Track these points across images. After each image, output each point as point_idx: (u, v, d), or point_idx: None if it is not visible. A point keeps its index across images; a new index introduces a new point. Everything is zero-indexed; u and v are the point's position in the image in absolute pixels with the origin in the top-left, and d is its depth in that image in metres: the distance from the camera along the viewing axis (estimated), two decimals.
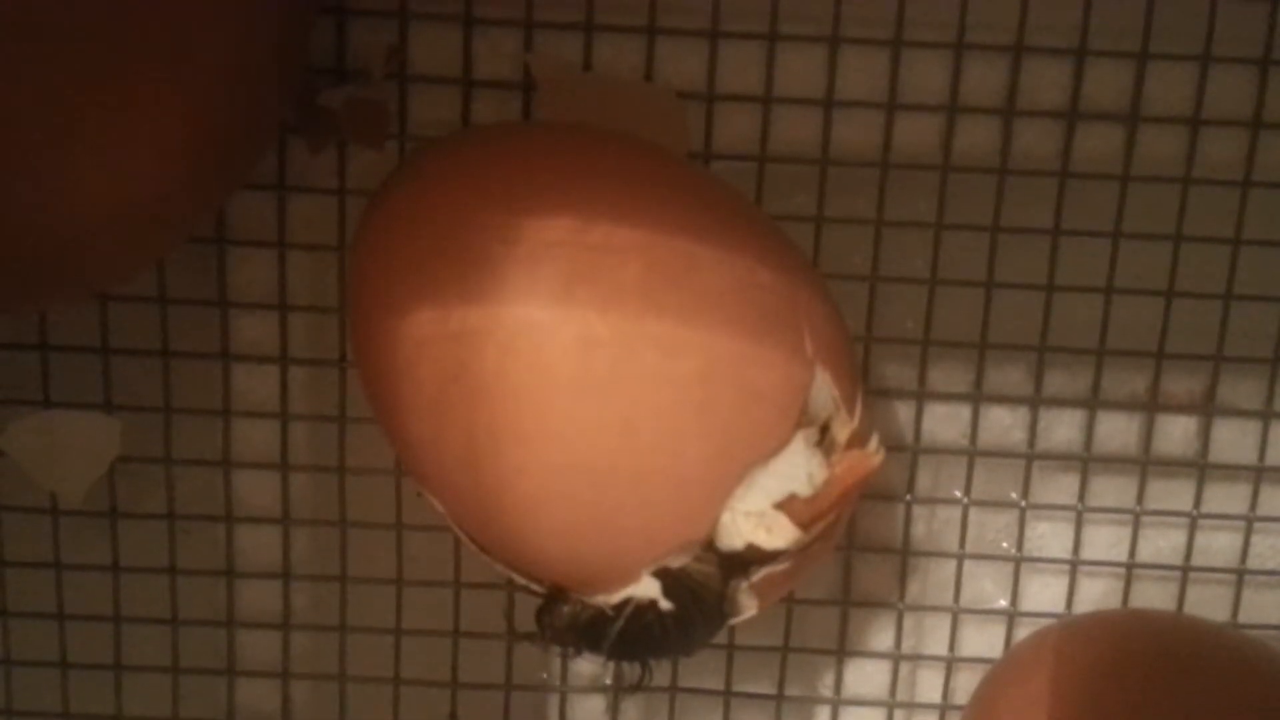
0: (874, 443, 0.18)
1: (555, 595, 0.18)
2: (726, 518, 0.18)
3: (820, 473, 0.18)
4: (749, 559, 0.18)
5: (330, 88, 0.21)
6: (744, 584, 0.18)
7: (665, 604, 0.18)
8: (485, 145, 0.19)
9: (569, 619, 0.18)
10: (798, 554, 0.18)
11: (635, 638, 0.18)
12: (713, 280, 0.18)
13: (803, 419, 0.18)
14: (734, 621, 0.19)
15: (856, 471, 0.18)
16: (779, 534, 0.18)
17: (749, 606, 0.18)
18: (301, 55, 0.20)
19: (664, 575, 0.18)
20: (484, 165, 0.18)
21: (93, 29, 0.15)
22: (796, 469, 0.18)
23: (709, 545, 0.18)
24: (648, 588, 0.18)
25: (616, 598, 0.18)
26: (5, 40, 0.15)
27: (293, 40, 0.19)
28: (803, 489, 0.18)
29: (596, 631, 0.18)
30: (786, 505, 0.18)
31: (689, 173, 0.20)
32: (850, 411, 0.18)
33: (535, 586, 0.19)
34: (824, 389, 0.18)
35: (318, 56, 0.21)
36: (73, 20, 0.15)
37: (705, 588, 0.18)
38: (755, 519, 0.18)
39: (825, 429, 0.18)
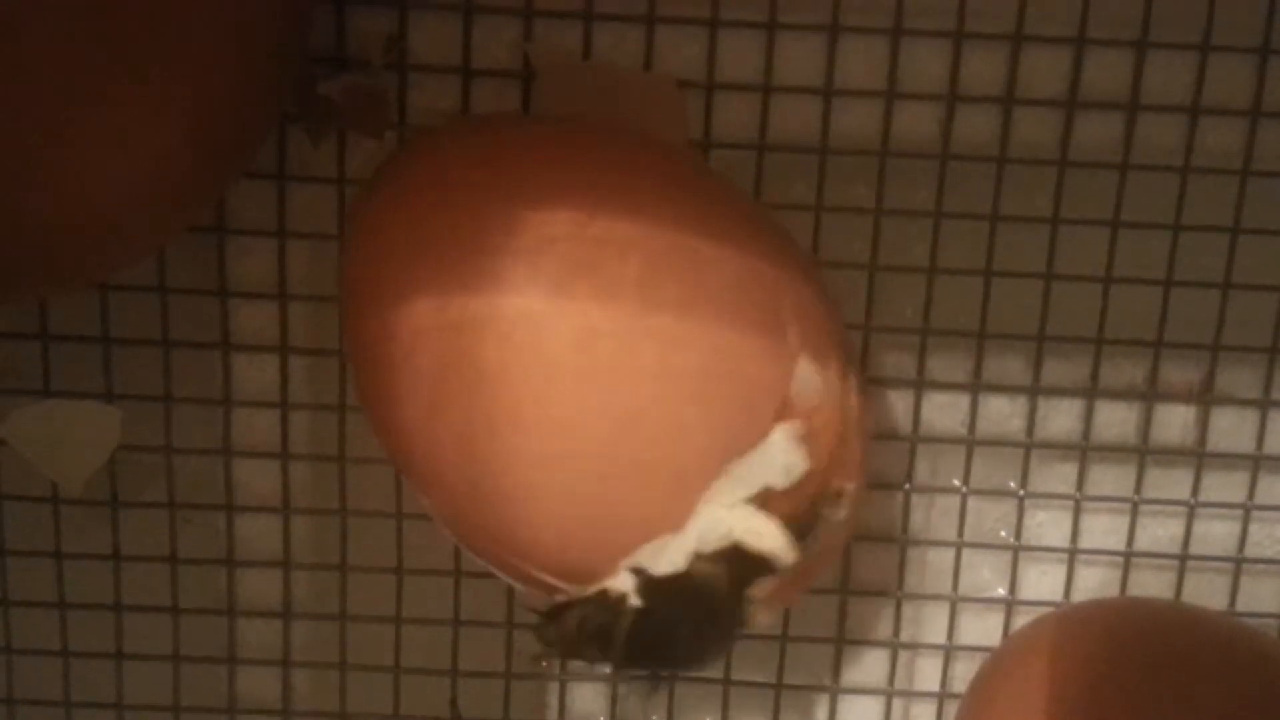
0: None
1: (559, 606, 0.18)
2: (714, 512, 0.17)
3: (797, 465, 0.18)
4: (756, 568, 0.18)
5: (330, 77, 0.21)
6: (754, 595, 0.18)
7: (635, 601, 0.18)
8: (483, 136, 0.19)
9: (574, 630, 0.18)
10: (800, 563, 0.18)
11: (645, 647, 0.18)
12: (712, 273, 0.18)
13: (789, 411, 0.18)
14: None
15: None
16: (766, 537, 0.18)
17: (760, 616, 0.18)
18: (301, 44, 0.20)
19: (675, 581, 0.18)
20: (482, 157, 0.18)
21: (92, 18, 0.15)
22: (770, 462, 0.18)
23: (720, 552, 0.18)
24: (624, 581, 0.18)
25: (596, 588, 0.18)
26: (3, 29, 0.15)
27: (292, 29, 0.19)
28: (779, 481, 0.18)
29: (603, 639, 0.18)
30: (767, 499, 0.18)
31: (687, 165, 0.20)
32: (841, 403, 0.18)
33: (536, 606, 0.19)
34: (811, 380, 0.18)
35: (317, 45, 0.21)
36: (72, 8, 0.15)
37: (717, 597, 0.18)
38: (742, 516, 0.17)
39: (812, 422, 0.18)
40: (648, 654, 0.18)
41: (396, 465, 0.20)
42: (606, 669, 0.18)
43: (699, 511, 0.17)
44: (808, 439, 0.18)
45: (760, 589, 0.18)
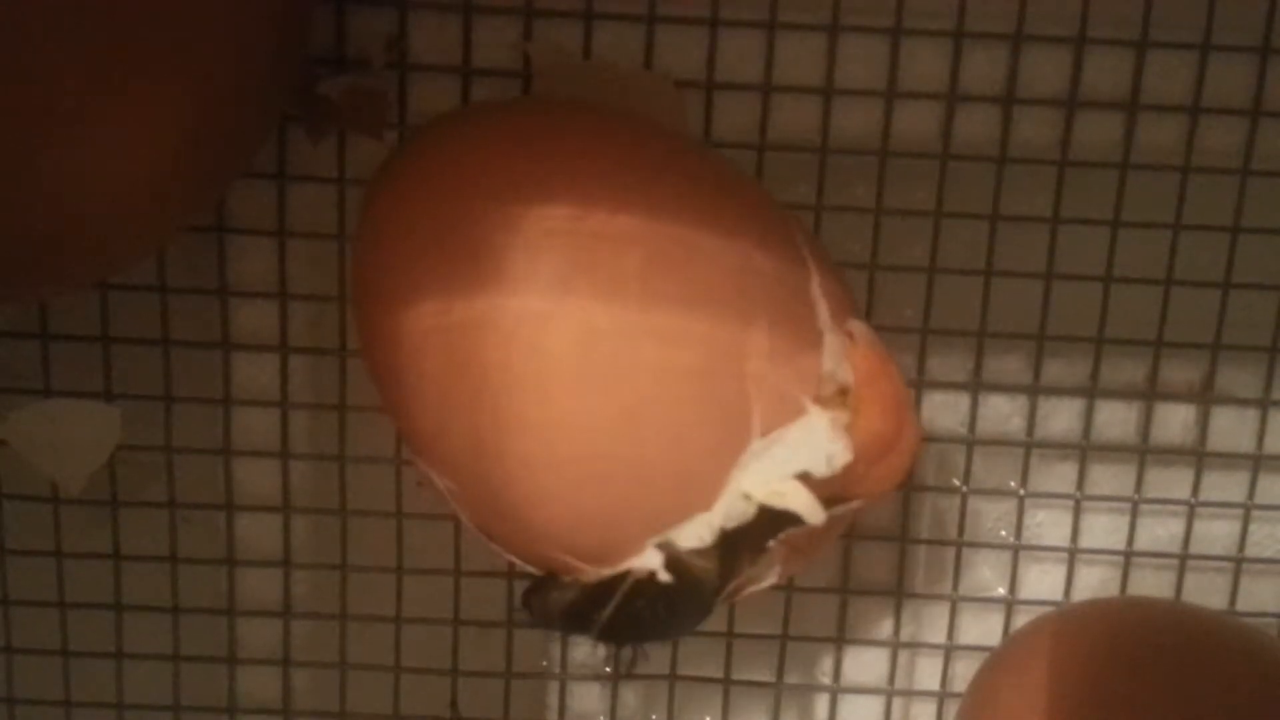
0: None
1: (546, 577, 0.18)
2: (732, 499, 0.18)
3: (839, 455, 0.18)
4: (757, 535, 0.18)
5: (330, 76, 0.21)
6: (767, 549, 0.18)
7: (665, 576, 0.18)
8: (476, 130, 0.19)
9: (558, 601, 0.18)
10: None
11: (625, 621, 0.18)
12: (714, 267, 0.18)
13: (814, 400, 0.18)
14: (754, 589, 0.19)
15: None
16: (794, 498, 0.18)
17: (768, 576, 0.18)
18: (301, 44, 0.20)
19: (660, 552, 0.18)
20: (476, 152, 0.18)
21: (93, 18, 0.15)
22: (811, 449, 0.18)
23: (713, 530, 0.18)
24: (650, 559, 0.18)
25: (618, 569, 0.18)
26: (4, 29, 0.15)
27: (292, 29, 0.19)
28: (819, 469, 0.18)
29: (586, 614, 0.18)
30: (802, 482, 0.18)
31: (690, 154, 0.19)
32: (862, 390, 0.18)
33: (531, 569, 0.19)
34: (835, 369, 0.18)
35: (318, 45, 0.21)
36: (73, 8, 0.15)
37: (697, 573, 0.18)
38: (768, 493, 0.18)
39: (839, 410, 0.18)
40: (628, 630, 0.18)
41: (417, 461, 0.20)
42: (590, 641, 0.19)
43: (728, 489, 0.17)
44: (850, 427, 0.18)
45: (774, 542, 0.18)
